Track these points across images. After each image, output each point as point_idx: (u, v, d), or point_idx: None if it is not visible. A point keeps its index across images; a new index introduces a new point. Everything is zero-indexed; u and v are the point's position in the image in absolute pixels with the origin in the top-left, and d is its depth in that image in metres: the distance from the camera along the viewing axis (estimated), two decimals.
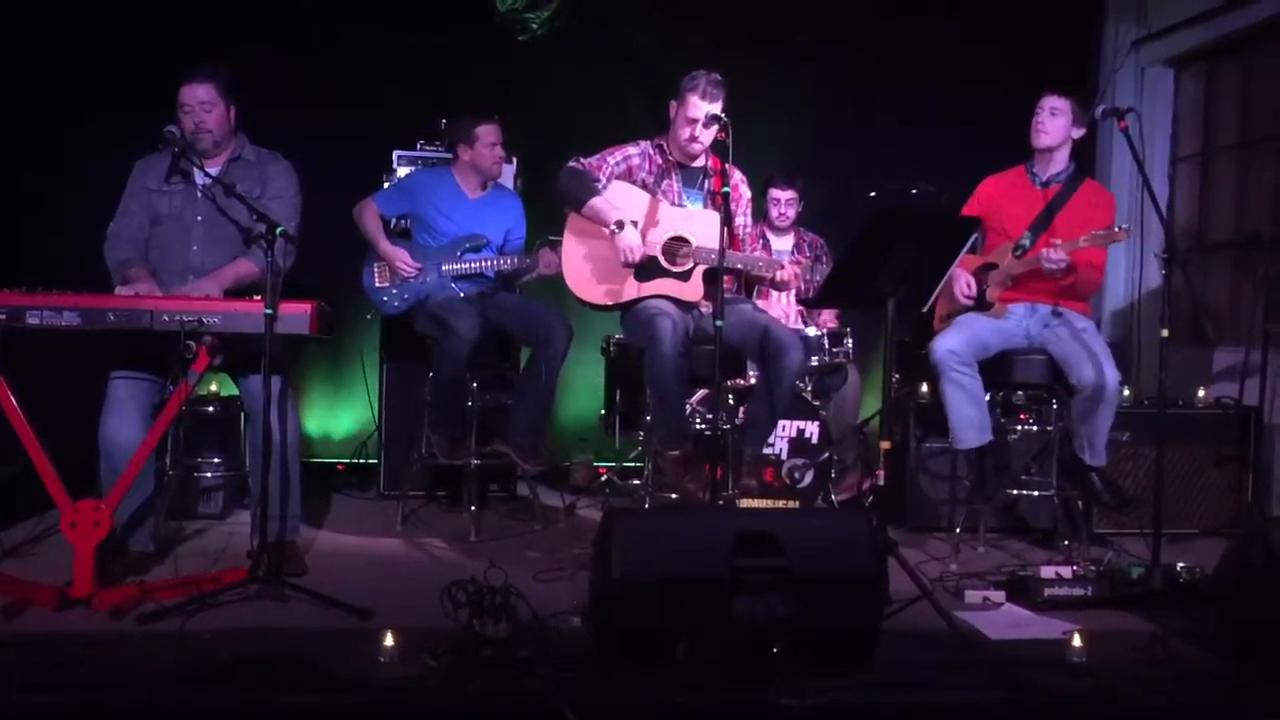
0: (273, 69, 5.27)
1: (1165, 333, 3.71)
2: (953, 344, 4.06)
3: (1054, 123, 4.20)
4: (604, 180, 4.02)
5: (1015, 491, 4.41)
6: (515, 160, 5.23)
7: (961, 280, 4.21)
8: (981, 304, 4.25)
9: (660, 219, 4.02)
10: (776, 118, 5.86)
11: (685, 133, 3.98)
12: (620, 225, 3.90)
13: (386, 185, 5.05)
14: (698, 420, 4.51)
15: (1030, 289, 4.22)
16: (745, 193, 4.25)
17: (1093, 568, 3.66)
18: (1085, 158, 5.46)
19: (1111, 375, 3.97)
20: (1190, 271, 4.20)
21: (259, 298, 3.37)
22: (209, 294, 3.54)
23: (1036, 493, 4.39)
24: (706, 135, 3.96)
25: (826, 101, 6.03)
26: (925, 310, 3.68)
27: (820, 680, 2.68)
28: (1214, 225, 5.71)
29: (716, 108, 3.91)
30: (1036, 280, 4.18)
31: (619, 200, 3.99)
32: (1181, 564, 3.61)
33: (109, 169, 3.95)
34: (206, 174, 3.68)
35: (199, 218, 3.80)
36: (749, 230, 4.25)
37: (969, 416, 4.07)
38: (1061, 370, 4.10)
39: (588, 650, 2.87)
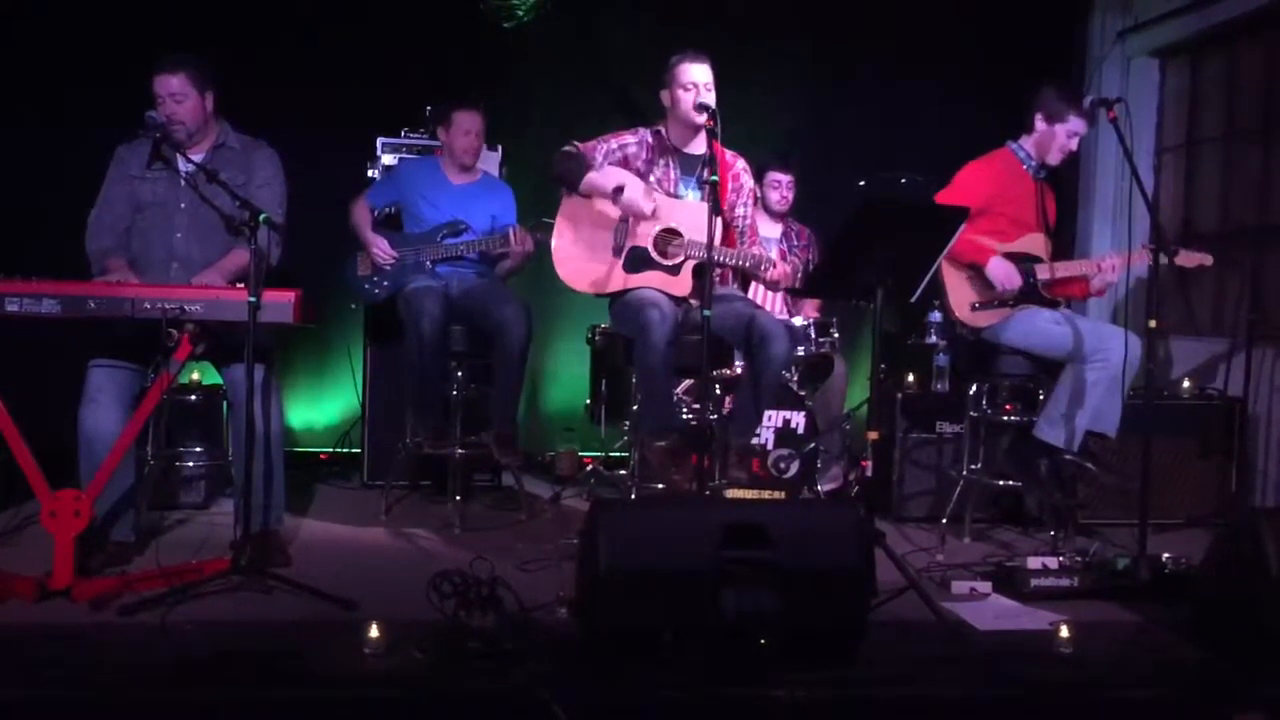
0: (258, 55, 5.23)
1: (1152, 323, 3.72)
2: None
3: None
4: (599, 163, 3.99)
5: (1002, 482, 4.42)
6: (500, 149, 5.20)
7: (1016, 274, 4.16)
8: (1037, 296, 4.23)
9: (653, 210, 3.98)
10: (763, 107, 5.83)
11: (689, 99, 3.87)
12: (620, 189, 3.87)
13: (373, 176, 5.02)
14: (684, 411, 4.49)
15: None
16: (747, 182, 4.16)
17: (1079, 558, 3.67)
18: None
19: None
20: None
21: (242, 285, 3.34)
22: (212, 284, 3.51)
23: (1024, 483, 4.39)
24: (709, 98, 3.87)
25: (813, 91, 6.00)
26: (914, 301, 3.66)
27: (807, 673, 2.67)
28: (1199, 216, 5.71)
29: (707, 70, 3.88)
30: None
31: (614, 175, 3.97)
32: (1167, 555, 3.61)
33: (89, 154, 3.91)
34: (190, 160, 3.64)
35: (182, 205, 3.76)
36: (749, 222, 4.15)
37: None
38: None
39: (574, 642, 2.86)
